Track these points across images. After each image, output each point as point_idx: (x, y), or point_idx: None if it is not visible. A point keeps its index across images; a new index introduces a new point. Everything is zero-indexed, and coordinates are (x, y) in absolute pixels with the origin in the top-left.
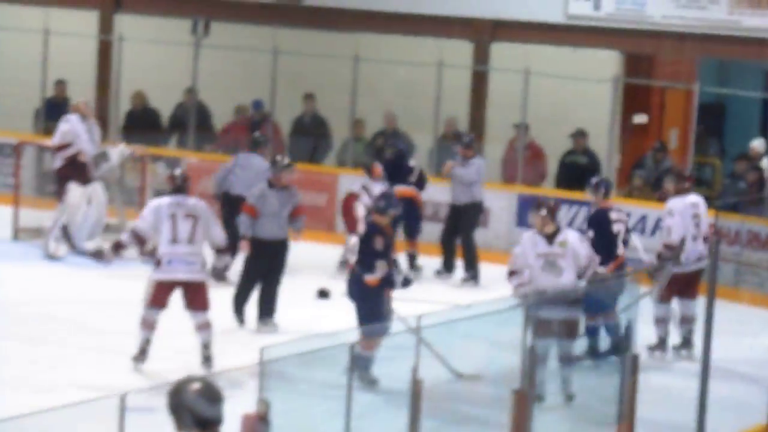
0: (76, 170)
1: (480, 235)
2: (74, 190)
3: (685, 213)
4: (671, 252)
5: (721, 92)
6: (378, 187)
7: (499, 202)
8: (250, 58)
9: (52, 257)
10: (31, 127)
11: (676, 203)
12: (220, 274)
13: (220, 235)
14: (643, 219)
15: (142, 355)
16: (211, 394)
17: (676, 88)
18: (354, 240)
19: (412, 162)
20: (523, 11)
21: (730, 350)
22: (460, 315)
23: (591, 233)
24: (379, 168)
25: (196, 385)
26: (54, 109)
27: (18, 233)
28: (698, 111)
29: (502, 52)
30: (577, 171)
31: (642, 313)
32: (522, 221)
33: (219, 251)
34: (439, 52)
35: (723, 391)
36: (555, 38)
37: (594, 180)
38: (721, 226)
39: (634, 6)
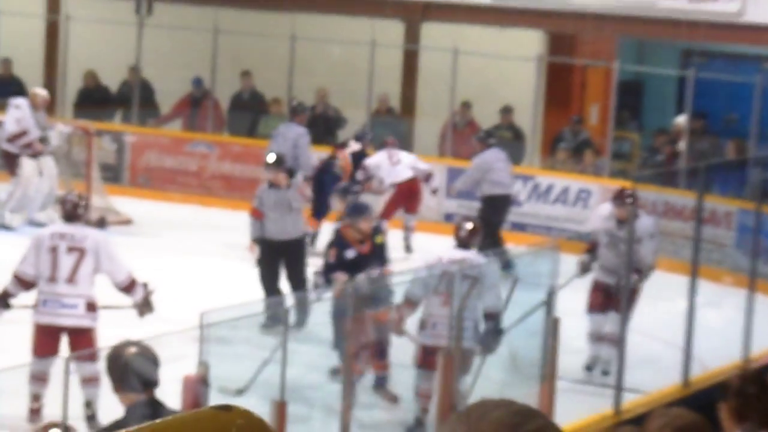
0: (24, 149)
1: None
2: (27, 164)
3: None
4: None
5: (639, 70)
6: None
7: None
8: (191, 37)
9: (6, 227)
10: None
11: None
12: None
13: (121, 271)
14: (565, 191)
15: (34, 414)
16: (152, 357)
17: (596, 66)
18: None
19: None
20: None
21: (647, 315)
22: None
23: None
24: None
25: (136, 348)
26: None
27: None
28: (617, 88)
29: (432, 32)
30: (503, 144)
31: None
32: (451, 192)
33: (125, 289)
34: (372, 32)
35: (641, 352)
36: (482, 19)
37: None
38: (639, 196)
39: None
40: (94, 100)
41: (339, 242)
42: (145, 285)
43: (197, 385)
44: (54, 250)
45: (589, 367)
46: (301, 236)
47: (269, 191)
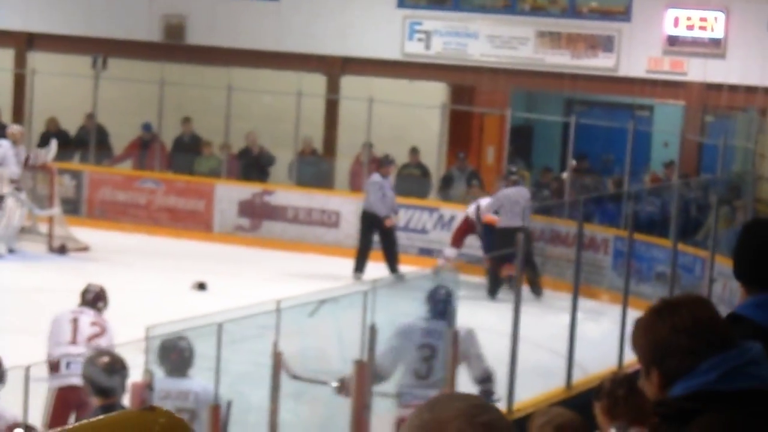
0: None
1: (332, 235)
2: (10, 198)
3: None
4: None
5: (528, 117)
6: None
7: (349, 207)
8: (140, 88)
9: None
10: None
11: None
12: None
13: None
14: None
15: None
16: (111, 368)
17: (492, 113)
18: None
19: None
20: (368, 50)
21: (535, 326)
22: (312, 299)
23: None
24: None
25: (101, 359)
26: None
27: None
28: (510, 132)
29: (350, 84)
30: (412, 180)
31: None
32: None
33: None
34: (298, 84)
35: (530, 360)
36: (394, 72)
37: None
38: (530, 226)
39: (458, 46)
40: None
41: None
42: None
43: (143, 391)
44: (75, 322)
45: None
46: None
47: None
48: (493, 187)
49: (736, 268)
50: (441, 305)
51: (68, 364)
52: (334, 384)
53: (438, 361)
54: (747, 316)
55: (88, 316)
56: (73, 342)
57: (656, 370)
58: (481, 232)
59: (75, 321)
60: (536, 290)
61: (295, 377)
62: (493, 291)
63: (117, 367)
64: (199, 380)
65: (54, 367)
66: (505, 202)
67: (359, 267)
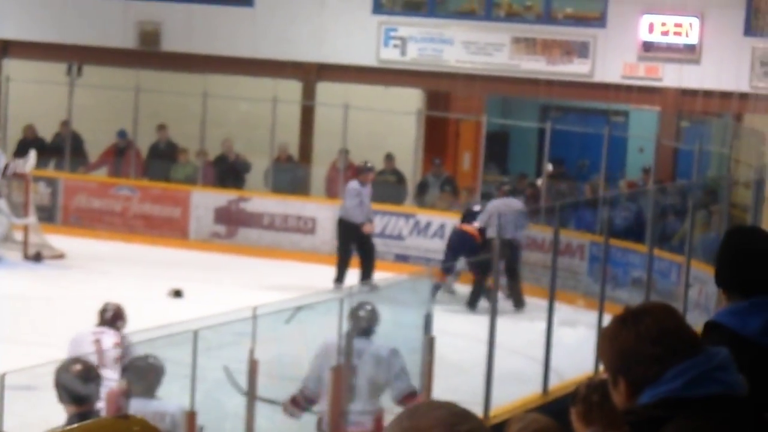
0: None
1: (308, 241)
2: None
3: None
4: None
5: (504, 123)
6: None
7: (325, 213)
8: (116, 95)
9: None
10: None
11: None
12: None
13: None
14: (441, 227)
15: None
16: (87, 375)
17: (468, 119)
18: None
19: None
20: (343, 56)
21: (512, 332)
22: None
23: None
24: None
25: (75, 366)
26: None
27: None
28: (486, 138)
29: (325, 90)
30: (388, 187)
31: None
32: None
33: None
34: (274, 90)
35: (507, 366)
36: (369, 78)
37: None
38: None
39: (434, 52)
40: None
41: None
42: None
43: (119, 398)
44: (97, 343)
45: None
46: None
47: None
48: (470, 193)
49: (718, 275)
50: (363, 322)
51: None
52: (281, 403)
53: (360, 381)
54: (723, 323)
55: (110, 337)
56: (102, 364)
57: (623, 379)
58: (456, 241)
59: (98, 342)
60: (517, 302)
61: (245, 394)
62: (473, 303)
63: (92, 374)
64: (174, 401)
65: None
66: (494, 213)
67: (340, 277)
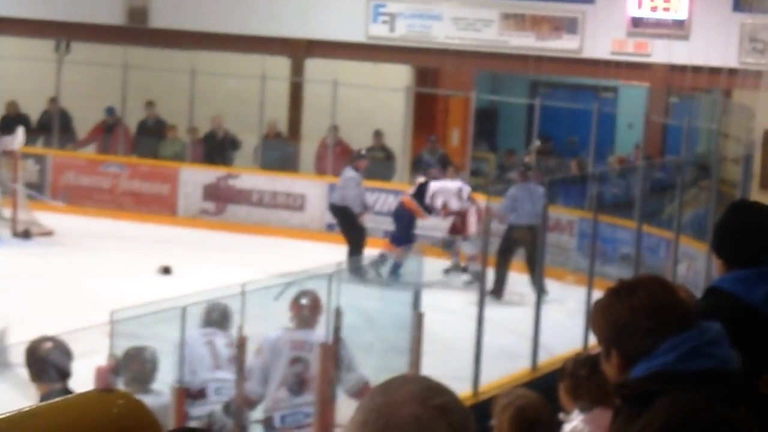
0: None
1: (297, 218)
2: None
3: None
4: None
5: (493, 99)
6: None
7: (314, 190)
8: (104, 72)
9: None
10: None
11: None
12: None
13: None
14: None
15: None
16: (66, 350)
17: (456, 96)
18: None
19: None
20: (332, 32)
21: (501, 308)
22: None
23: None
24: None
25: (52, 343)
26: None
27: None
28: (475, 115)
29: (314, 67)
30: (376, 163)
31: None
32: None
33: None
34: (263, 67)
35: (496, 342)
36: (358, 55)
37: None
38: (493, 208)
39: (423, 28)
40: (16, 127)
41: None
42: None
43: (108, 375)
44: (210, 344)
45: None
46: None
47: None
48: (460, 170)
49: (720, 246)
50: (305, 311)
51: (218, 390)
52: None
53: (311, 375)
54: (725, 288)
55: (221, 338)
56: (218, 367)
57: (616, 352)
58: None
59: (210, 344)
60: (540, 291)
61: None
62: (498, 291)
63: (67, 349)
64: (166, 394)
65: (198, 394)
66: (515, 201)
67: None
